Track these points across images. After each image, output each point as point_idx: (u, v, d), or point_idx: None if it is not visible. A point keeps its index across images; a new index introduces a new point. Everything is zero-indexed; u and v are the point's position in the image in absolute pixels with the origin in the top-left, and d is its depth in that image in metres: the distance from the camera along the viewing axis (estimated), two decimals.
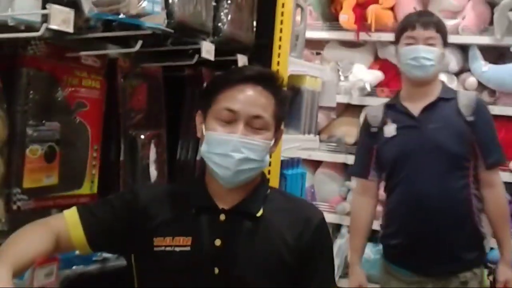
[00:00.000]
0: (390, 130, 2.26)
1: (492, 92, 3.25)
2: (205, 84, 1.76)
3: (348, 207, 3.54)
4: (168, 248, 1.31)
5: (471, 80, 3.26)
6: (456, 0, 3.34)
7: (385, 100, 3.40)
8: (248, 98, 1.31)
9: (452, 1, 3.34)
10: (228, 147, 1.28)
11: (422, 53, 2.19)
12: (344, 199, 3.62)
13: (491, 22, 3.27)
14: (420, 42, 2.20)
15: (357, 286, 2.38)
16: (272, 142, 1.35)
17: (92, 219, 1.33)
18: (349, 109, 3.64)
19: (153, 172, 1.66)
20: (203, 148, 1.33)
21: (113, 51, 1.54)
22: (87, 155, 1.50)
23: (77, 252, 1.40)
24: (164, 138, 1.73)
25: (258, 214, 1.35)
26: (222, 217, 1.34)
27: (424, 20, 2.24)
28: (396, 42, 2.31)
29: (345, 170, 3.69)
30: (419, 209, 2.19)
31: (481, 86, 3.27)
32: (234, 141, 1.28)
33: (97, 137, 1.54)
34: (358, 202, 2.46)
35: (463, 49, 3.39)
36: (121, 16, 1.31)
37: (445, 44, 2.28)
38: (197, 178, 1.41)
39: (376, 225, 3.37)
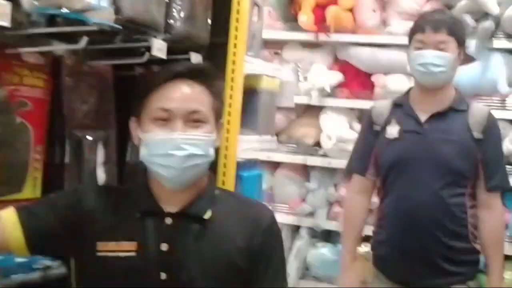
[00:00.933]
0: (392, 131, 2.15)
1: None
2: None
3: (307, 208, 3.53)
4: (111, 254, 1.26)
5: None
6: (414, 2, 3.36)
7: (345, 101, 3.46)
8: (181, 94, 1.28)
9: (410, 4, 3.36)
10: (169, 146, 1.24)
11: (431, 59, 2.05)
12: (304, 200, 3.60)
13: None
14: (430, 47, 2.05)
15: None
16: (214, 135, 1.32)
17: (32, 219, 1.26)
18: (309, 110, 3.62)
19: (100, 175, 1.59)
20: (142, 152, 1.28)
21: (56, 47, 1.46)
22: (28, 157, 1.43)
23: (17, 260, 1.33)
24: (113, 139, 1.67)
25: (206, 217, 1.30)
26: (168, 220, 1.29)
27: (436, 21, 2.08)
28: (408, 40, 2.16)
29: (305, 172, 3.68)
30: (410, 220, 2.09)
31: None
32: (174, 139, 1.24)
33: (41, 138, 1.47)
34: (354, 201, 2.31)
35: None
36: (63, 10, 1.25)
37: (461, 46, 2.12)
38: (140, 181, 1.35)
39: (334, 226, 3.40)
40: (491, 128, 2.13)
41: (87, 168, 1.55)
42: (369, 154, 2.23)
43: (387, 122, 2.17)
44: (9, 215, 1.26)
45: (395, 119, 2.16)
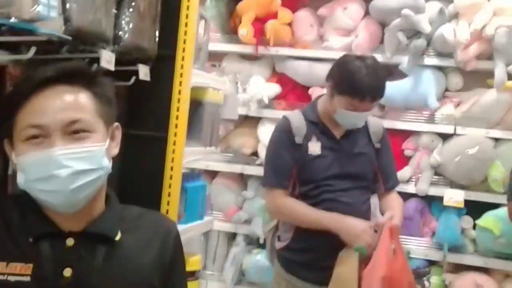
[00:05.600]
0: (315, 148, 2.24)
1: (382, 107, 3.43)
2: None
3: (243, 216, 3.57)
4: None
5: None
6: (350, 19, 3.49)
7: (282, 112, 3.50)
8: (54, 104, 1.07)
9: (346, 20, 3.49)
10: (48, 167, 1.04)
11: (359, 121, 2.23)
12: (240, 208, 3.64)
13: (382, 41, 3.46)
14: (360, 110, 2.16)
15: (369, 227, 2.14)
16: (107, 143, 1.12)
17: None
18: (247, 121, 3.67)
19: None
20: (19, 179, 1.07)
21: (2, 58, 1.41)
22: None
23: None
24: None
25: (117, 238, 1.14)
26: (70, 242, 1.10)
27: (376, 91, 2.15)
28: (337, 90, 2.17)
29: (242, 181, 3.72)
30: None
31: None
32: (53, 156, 1.04)
33: None
34: (287, 200, 2.24)
35: None
36: (12, 20, 1.21)
37: None
38: (29, 201, 1.11)
39: None
40: (385, 136, 2.38)
41: None
42: (291, 166, 2.23)
43: (308, 138, 2.25)
44: None
45: (315, 136, 2.26)
